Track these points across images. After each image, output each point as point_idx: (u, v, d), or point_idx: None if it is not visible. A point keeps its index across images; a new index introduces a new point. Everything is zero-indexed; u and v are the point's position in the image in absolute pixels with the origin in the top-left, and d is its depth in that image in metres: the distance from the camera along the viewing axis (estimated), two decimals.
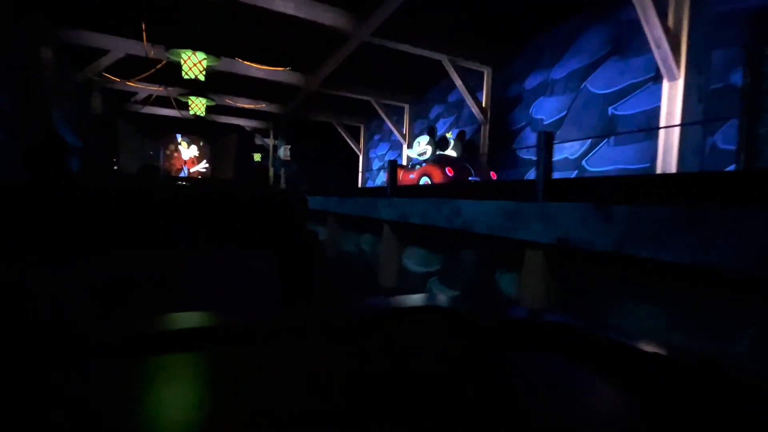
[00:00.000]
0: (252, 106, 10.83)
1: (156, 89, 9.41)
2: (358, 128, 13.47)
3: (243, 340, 0.69)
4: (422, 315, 0.83)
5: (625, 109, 5.09)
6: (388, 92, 9.95)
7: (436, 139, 7.35)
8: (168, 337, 0.66)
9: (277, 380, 0.56)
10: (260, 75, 8.41)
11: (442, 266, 4.04)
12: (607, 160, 5.27)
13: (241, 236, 1.59)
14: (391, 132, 11.46)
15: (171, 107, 12.32)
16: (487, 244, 3.36)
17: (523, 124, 6.74)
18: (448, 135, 7.44)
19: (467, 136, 8.26)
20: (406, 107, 10.35)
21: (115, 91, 9.76)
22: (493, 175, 7.07)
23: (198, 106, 9.52)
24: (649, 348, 0.63)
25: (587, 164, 5.54)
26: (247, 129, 14.75)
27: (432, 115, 9.42)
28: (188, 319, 0.73)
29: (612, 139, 5.22)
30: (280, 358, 0.64)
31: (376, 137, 12.60)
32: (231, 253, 1.57)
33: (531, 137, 6.58)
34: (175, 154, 14.94)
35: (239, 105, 10.71)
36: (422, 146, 7.46)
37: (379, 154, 12.34)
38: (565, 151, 5.85)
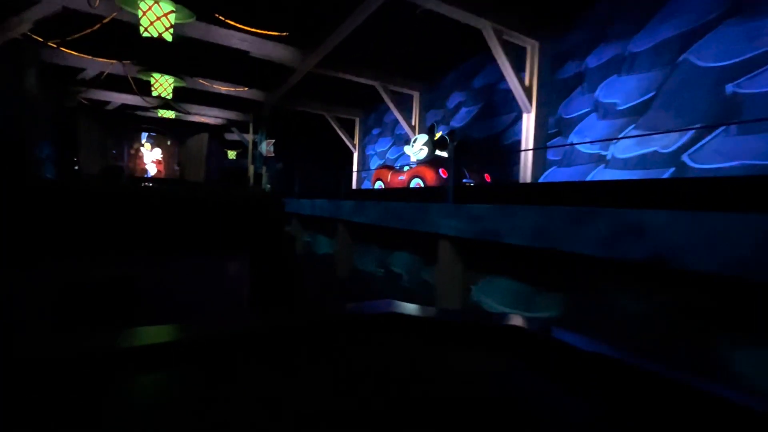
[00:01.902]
0: (232, 89, 9.03)
1: (107, 62, 7.47)
2: (353, 122, 11.89)
3: (211, 353, 0.69)
4: (382, 321, 0.87)
5: (756, 85, 3.82)
6: (397, 76, 8.45)
7: (434, 138, 6.52)
8: (133, 353, 0.64)
9: (246, 392, 0.58)
10: (245, 46, 6.69)
11: (567, 313, 2.56)
12: (725, 154, 3.98)
13: (212, 240, 1.55)
14: (395, 125, 9.97)
15: (131, 92, 10.32)
16: (699, 288, 1.90)
17: (586, 110, 5.41)
18: (444, 135, 6.67)
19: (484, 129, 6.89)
20: (416, 95, 8.87)
21: (55, 66, 7.73)
22: (487, 178, 6.40)
23: (163, 86, 7.67)
24: (599, 350, 0.66)
25: (691, 160, 4.24)
26: (222, 122, 12.84)
27: (451, 104, 7.99)
28: (153, 334, 0.71)
29: (733, 126, 3.94)
30: (252, 368, 0.66)
31: (375, 131, 11.06)
32: (202, 257, 1.52)
33: (595, 127, 5.25)
34: (140, 154, 13.50)
35: (215, 88, 8.89)
36: (418, 145, 6.59)
37: (379, 150, 10.81)
38: (653, 142, 4.54)
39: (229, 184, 14.26)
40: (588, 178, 5.25)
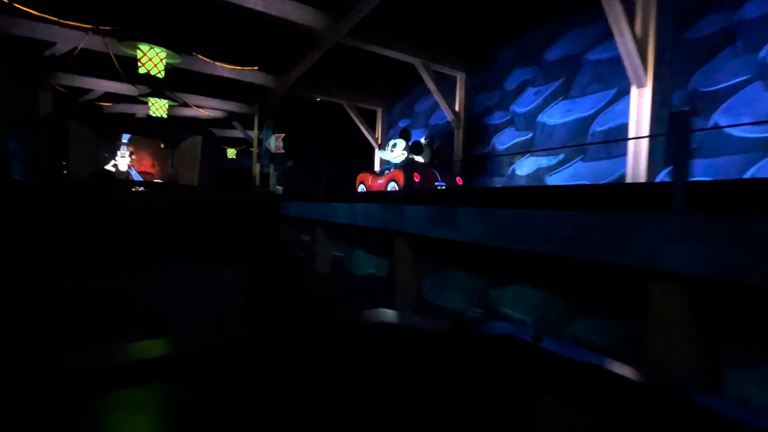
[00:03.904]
0: (237, 69, 7.45)
1: (81, 28, 5.86)
2: (373, 114, 10.36)
3: (201, 368, 0.69)
4: (377, 330, 0.87)
5: None
6: (441, 53, 6.93)
7: (410, 144, 6.88)
8: (122, 369, 0.64)
9: (243, 406, 0.57)
10: (259, 6, 5.15)
11: None
12: None
13: (205, 247, 1.71)
14: (431, 114, 8.46)
15: (114, 77, 8.73)
16: None
17: (741, 79, 3.92)
18: (423, 140, 6.95)
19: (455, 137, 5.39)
20: (460, 77, 7.35)
21: (14, 39, 6.10)
22: (459, 181, 6.63)
23: (153, 62, 6.09)
24: (590, 360, 0.67)
25: None
26: (223, 114, 11.27)
27: (511, 84, 6.48)
28: (140, 349, 0.71)
29: None
30: (243, 384, 0.66)
31: (402, 123, 9.52)
32: (194, 265, 1.66)
33: (760, 101, 3.76)
34: (133, 157, 12.93)
35: (217, 66, 7.31)
36: (398, 150, 6.86)
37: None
38: None
39: (226, 187, 13.00)
40: (749, 174, 3.75)
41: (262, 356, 0.75)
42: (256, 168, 10.22)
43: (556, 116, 5.67)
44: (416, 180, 6.02)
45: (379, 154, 7.23)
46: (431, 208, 3.30)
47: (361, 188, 7.24)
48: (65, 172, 11.61)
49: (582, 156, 5.29)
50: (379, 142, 10.19)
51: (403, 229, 3.79)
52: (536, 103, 5.99)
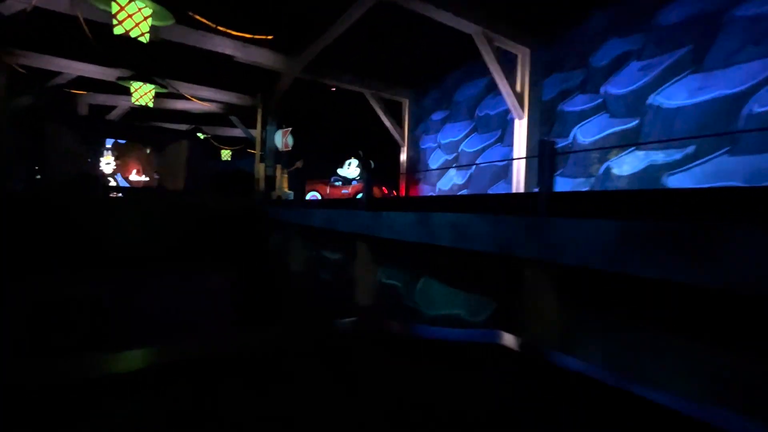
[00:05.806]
0: (247, 37, 5.87)
1: None
2: (398, 105, 8.86)
3: (191, 377, 0.69)
4: (372, 338, 0.90)
5: None
6: (505, 24, 5.48)
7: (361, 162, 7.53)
8: (109, 380, 0.64)
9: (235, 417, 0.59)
10: None
11: None
12: None
13: (191, 255, 1.75)
14: (478, 103, 7.00)
15: (88, 58, 7.15)
16: None
17: None
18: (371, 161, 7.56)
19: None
20: (524, 54, 5.90)
21: None
22: (384, 190, 7.63)
23: (134, 21, 4.51)
24: (577, 368, 0.69)
25: None
26: (221, 108, 9.67)
27: (602, 59, 5.03)
28: (127, 359, 0.71)
29: None
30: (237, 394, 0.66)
31: (437, 116, 8.04)
32: (179, 273, 1.66)
33: None
34: (117, 162, 11.82)
35: (219, 39, 5.73)
36: (353, 168, 7.85)
37: (445, 141, 7.78)
38: None
39: (220, 192, 11.34)
40: None
41: (254, 364, 0.74)
42: (260, 169, 8.60)
43: (679, 96, 4.25)
44: (385, 192, 6.53)
45: (340, 172, 8.11)
46: (635, 226, 1.78)
47: (312, 194, 7.76)
48: (39, 177, 10.11)
49: (729, 147, 3.87)
50: (406, 139, 8.69)
51: (543, 257, 2.27)
52: (644, 80, 4.56)
